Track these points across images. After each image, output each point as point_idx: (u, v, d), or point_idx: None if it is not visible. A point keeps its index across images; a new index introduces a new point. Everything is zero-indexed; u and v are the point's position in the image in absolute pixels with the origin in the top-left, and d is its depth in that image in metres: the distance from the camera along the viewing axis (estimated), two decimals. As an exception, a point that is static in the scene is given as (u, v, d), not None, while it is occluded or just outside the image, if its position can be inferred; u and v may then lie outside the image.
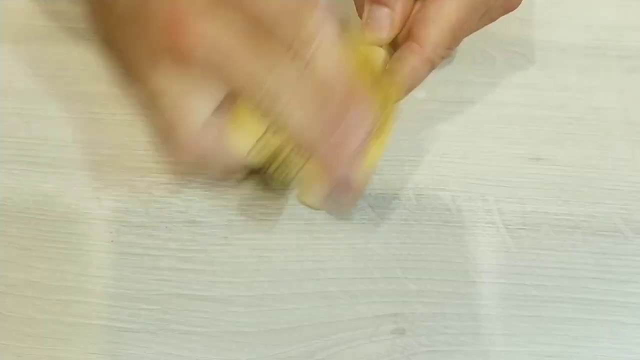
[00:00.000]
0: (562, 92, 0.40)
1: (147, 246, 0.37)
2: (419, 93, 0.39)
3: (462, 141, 0.39)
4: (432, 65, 0.34)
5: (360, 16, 0.35)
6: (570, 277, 0.37)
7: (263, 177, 0.36)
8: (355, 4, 0.35)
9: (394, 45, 0.35)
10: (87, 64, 0.39)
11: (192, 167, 0.32)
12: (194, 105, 0.30)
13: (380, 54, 0.34)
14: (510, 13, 0.36)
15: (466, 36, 0.35)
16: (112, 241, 0.37)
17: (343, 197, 0.32)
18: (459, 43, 0.35)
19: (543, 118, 0.39)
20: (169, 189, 0.38)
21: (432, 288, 0.37)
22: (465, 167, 0.38)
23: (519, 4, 0.35)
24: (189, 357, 0.36)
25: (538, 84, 0.40)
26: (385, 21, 0.34)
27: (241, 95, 0.30)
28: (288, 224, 0.37)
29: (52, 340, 0.36)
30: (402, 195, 0.38)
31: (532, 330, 0.36)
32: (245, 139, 0.31)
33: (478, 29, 0.35)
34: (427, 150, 0.39)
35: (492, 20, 0.35)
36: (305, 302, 0.37)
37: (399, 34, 0.34)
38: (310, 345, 0.36)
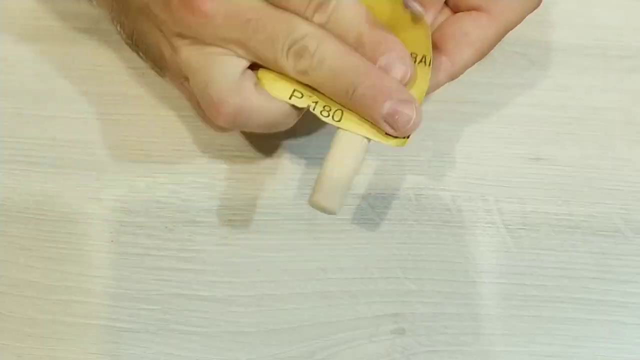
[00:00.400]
0: (562, 92, 0.40)
1: (147, 246, 0.37)
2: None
3: (462, 141, 0.39)
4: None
5: None
6: (570, 277, 0.37)
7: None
8: None
9: None
10: (87, 64, 0.39)
11: (236, 124, 0.31)
12: (225, 67, 0.31)
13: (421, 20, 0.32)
14: None
15: None
16: (112, 241, 0.37)
17: (404, 124, 0.31)
18: None
19: (543, 118, 0.39)
20: (169, 189, 0.38)
21: (432, 288, 0.37)
22: (465, 167, 0.38)
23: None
24: (189, 357, 0.36)
25: (538, 84, 0.40)
26: None
27: (266, 58, 0.31)
28: (288, 224, 0.37)
29: (52, 340, 0.36)
30: (402, 195, 0.38)
31: (532, 330, 0.37)
32: (281, 94, 0.31)
33: None
34: (427, 150, 0.39)
35: None
36: (305, 302, 0.37)
37: None
38: (310, 345, 0.36)
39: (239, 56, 0.31)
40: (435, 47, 0.33)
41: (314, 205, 0.31)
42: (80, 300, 0.36)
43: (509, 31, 0.34)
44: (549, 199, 0.38)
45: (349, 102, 0.31)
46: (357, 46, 0.31)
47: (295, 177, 0.38)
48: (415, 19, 0.32)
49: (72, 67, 0.39)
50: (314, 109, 0.32)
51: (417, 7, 0.31)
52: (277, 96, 0.31)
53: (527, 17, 0.34)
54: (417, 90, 0.32)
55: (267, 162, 0.38)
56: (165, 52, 0.32)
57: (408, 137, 0.32)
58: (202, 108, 0.32)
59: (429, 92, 0.33)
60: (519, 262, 0.37)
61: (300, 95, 0.31)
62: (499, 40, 0.34)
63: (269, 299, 0.37)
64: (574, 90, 0.40)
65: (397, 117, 0.31)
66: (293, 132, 0.37)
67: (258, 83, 0.32)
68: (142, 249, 0.37)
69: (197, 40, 0.31)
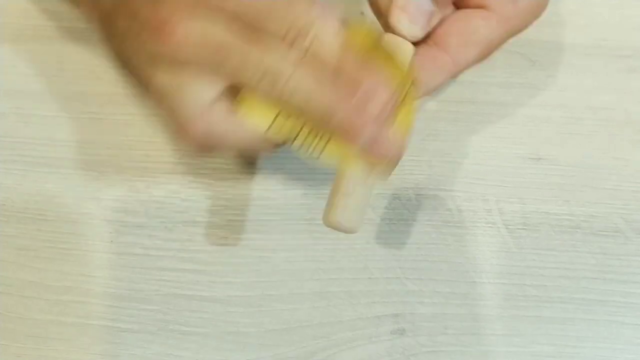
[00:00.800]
0: (562, 92, 0.40)
1: (147, 246, 0.37)
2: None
3: (462, 141, 0.39)
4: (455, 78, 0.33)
5: (377, 14, 0.33)
6: (571, 278, 0.37)
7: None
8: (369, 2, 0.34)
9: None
10: (86, 64, 0.39)
11: (205, 147, 0.31)
12: (195, 92, 0.30)
13: (407, 48, 0.31)
14: None
15: None
16: (111, 241, 0.37)
17: (379, 162, 0.30)
18: None
19: (543, 118, 0.39)
20: (168, 189, 0.38)
21: (432, 288, 0.37)
22: (465, 167, 0.38)
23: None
24: (189, 357, 0.36)
25: (538, 83, 0.40)
26: (424, 15, 0.31)
27: (241, 83, 0.30)
28: (288, 224, 0.37)
29: (51, 340, 0.36)
30: (402, 195, 0.38)
31: (533, 330, 0.36)
32: (260, 120, 0.31)
33: None
34: (427, 150, 0.39)
35: None
36: (305, 303, 0.37)
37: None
38: (310, 345, 0.36)
39: (213, 81, 0.30)
40: (438, 43, 0.32)
41: (331, 224, 0.30)
42: (80, 300, 0.36)
43: (513, 36, 0.33)
44: (550, 199, 0.38)
45: (328, 129, 0.30)
46: (336, 74, 0.30)
47: (295, 177, 0.38)
48: (401, 48, 0.31)
49: (72, 67, 0.39)
50: (292, 142, 0.31)
51: (406, 26, 0.30)
52: (256, 122, 0.31)
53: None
54: (402, 124, 0.31)
55: (267, 162, 0.38)
56: (144, 77, 0.31)
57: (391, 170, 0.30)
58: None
59: (428, 93, 0.32)
60: (519, 262, 0.37)
61: (282, 124, 0.31)
62: (503, 43, 0.33)
63: (268, 299, 0.37)
64: (575, 90, 0.40)
65: (375, 146, 0.30)
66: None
67: (236, 106, 0.31)
68: (141, 249, 0.37)
69: (171, 65, 0.30)
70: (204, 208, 0.37)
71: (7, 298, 0.36)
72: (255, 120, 0.31)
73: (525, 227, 0.38)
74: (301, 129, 0.31)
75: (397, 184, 0.38)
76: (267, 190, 0.38)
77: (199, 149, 0.31)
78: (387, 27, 0.31)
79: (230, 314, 0.36)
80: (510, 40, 0.40)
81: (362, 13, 0.40)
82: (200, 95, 0.30)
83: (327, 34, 0.29)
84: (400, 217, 0.38)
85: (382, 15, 0.32)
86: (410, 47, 0.31)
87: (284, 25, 0.29)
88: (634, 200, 0.38)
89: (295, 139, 0.31)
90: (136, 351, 0.36)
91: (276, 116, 0.31)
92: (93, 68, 0.39)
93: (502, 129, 0.39)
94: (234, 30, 0.29)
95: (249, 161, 0.38)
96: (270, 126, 0.31)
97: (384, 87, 0.30)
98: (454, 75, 0.32)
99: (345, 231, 0.30)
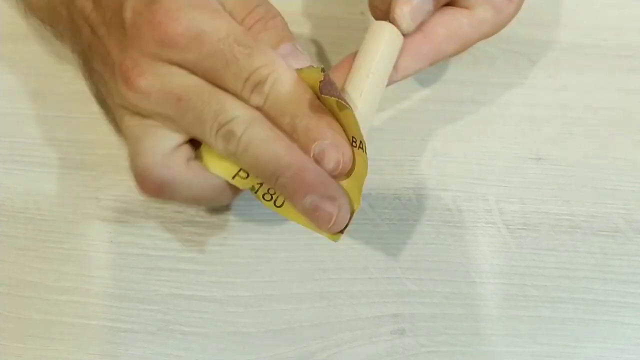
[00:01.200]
0: (562, 92, 0.40)
1: (147, 246, 0.37)
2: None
3: (462, 141, 0.39)
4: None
5: (375, 15, 0.33)
6: (571, 277, 0.37)
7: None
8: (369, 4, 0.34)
9: None
10: (86, 64, 0.39)
11: (160, 196, 0.32)
12: (157, 140, 0.31)
13: (397, 39, 0.32)
14: None
15: None
16: (111, 241, 0.37)
17: (325, 222, 0.30)
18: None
19: (543, 118, 0.39)
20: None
21: (432, 288, 0.37)
22: (465, 167, 0.38)
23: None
24: (189, 358, 0.36)
25: (538, 83, 0.40)
26: (423, 15, 0.32)
27: (199, 138, 0.31)
28: (288, 224, 0.37)
29: (51, 340, 0.36)
30: (402, 195, 0.38)
31: (533, 330, 0.36)
32: (220, 172, 0.31)
33: None
34: (427, 150, 0.39)
35: None
36: (305, 303, 0.37)
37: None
38: (310, 345, 0.36)
39: (173, 131, 0.31)
40: (425, 33, 0.32)
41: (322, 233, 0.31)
42: (79, 300, 0.36)
43: (485, 38, 0.34)
44: (550, 199, 0.38)
45: (276, 189, 0.31)
46: (290, 131, 0.30)
47: (295, 177, 0.38)
48: (392, 37, 0.31)
49: (71, 67, 0.39)
50: (256, 192, 0.31)
51: (408, 20, 0.31)
52: (218, 174, 0.31)
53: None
54: (356, 177, 0.31)
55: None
56: (117, 116, 0.32)
57: (342, 232, 0.30)
58: None
59: (405, 77, 0.32)
60: (519, 262, 0.37)
61: (245, 176, 0.31)
62: (476, 43, 0.34)
63: (268, 299, 0.36)
64: (575, 89, 0.40)
65: (317, 213, 0.30)
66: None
67: (196, 157, 0.32)
68: (141, 249, 0.37)
69: (137, 112, 0.31)
70: (204, 208, 0.37)
71: (7, 298, 0.36)
72: (215, 172, 0.31)
73: (525, 227, 0.38)
74: (261, 184, 0.31)
75: (397, 184, 0.38)
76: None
77: (154, 197, 0.32)
78: (384, 17, 0.32)
79: (230, 314, 0.36)
80: (511, 40, 0.40)
81: (361, 13, 0.40)
82: (161, 142, 0.31)
83: (285, 79, 0.30)
84: (400, 217, 0.38)
85: (380, 10, 0.33)
86: (401, 38, 0.32)
87: (243, 73, 0.30)
88: (634, 200, 0.38)
89: (255, 191, 0.32)
90: (136, 351, 0.36)
91: (237, 171, 0.31)
92: (93, 68, 0.39)
93: (502, 129, 0.39)
94: (194, 82, 0.30)
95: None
96: (232, 177, 0.31)
97: (337, 144, 0.30)
98: (431, 64, 0.33)
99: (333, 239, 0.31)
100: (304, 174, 0.30)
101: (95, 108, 0.38)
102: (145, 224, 0.37)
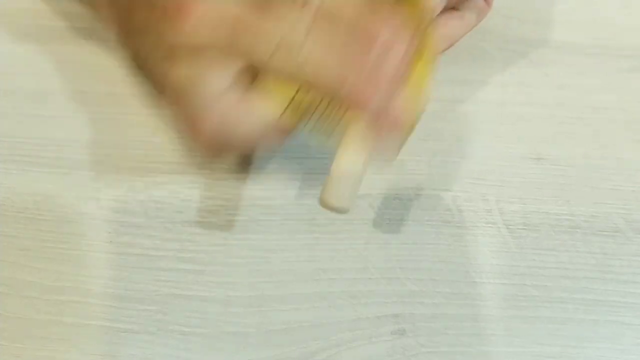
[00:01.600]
0: (562, 92, 0.40)
1: (146, 246, 0.37)
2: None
3: (462, 141, 0.39)
4: None
5: None
6: (571, 278, 0.37)
7: (305, 137, 0.33)
8: None
9: None
10: (86, 63, 0.39)
11: (217, 143, 0.31)
12: (210, 80, 0.30)
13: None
14: (510, 13, 0.38)
15: None
16: (110, 242, 0.37)
17: (391, 134, 0.30)
18: None
19: (543, 117, 0.39)
20: (168, 189, 0.38)
21: (432, 289, 0.37)
22: (465, 167, 0.38)
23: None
24: (188, 358, 0.36)
25: (538, 83, 0.40)
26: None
27: (256, 61, 0.30)
28: (288, 224, 0.37)
29: (50, 340, 0.36)
30: (402, 195, 0.38)
31: (533, 330, 0.36)
32: (275, 103, 0.31)
33: None
34: (427, 150, 0.39)
35: None
36: (305, 303, 0.36)
37: None
38: (310, 346, 0.36)
39: (228, 65, 0.30)
40: None
41: (325, 204, 0.30)
42: (79, 300, 0.36)
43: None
44: (550, 199, 0.38)
45: (340, 98, 0.30)
46: (351, 30, 0.29)
47: (295, 177, 0.38)
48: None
49: (72, 67, 0.39)
50: (305, 125, 0.31)
51: None
52: (269, 106, 0.31)
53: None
54: (417, 83, 0.30)
55: (267, 162, 0.38)
56: (160, 75, 0.31)
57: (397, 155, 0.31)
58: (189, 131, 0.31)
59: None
60: (519, 263, 0.37)
61: (295, 105, 0.31)
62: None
63: (268, 299, 0.36)
64: (575, 89, 0.40)
65: (381, 119, 0.29)
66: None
67: (250, 92, 0.31)
68: (141, 249, 0.37)
69: (189, 53, 0.30)
70: (204, 208, 0.37)
71: (7, 298, 0.36)
72: (268, 104, 0.31)
73: (525, 227, 0.38)
74: (315, 110, 0.31)
75: (397, 184, 0.38)
76: (267, 190, 0.38)
77: (211, 146, 0.31)
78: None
79: (230, 314, 0.36)
80: (511, 40, 0.40)
81: None
82: (214, 82, 0.30)
83: None
84: (400, 217, 0.38)
85: None
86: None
87: None
88: (634, 200, 0.38)
89: (308, 122, 0.31)
90: (135, 351, 0.36)
91: (291, 99, 0.30)
92: (93, 68, 0.39)
93: (502, 128, 0.39)
94: (245, 3, 0.29)
95: (246, 161, 0.38)
96: (284, 109, 0.31)
97: (400, 35, 0.29)
98: None
99: (335, 210, 0.30)
100: (369, 75, 0.29)
101: (95, 108, 0.39)
102: (145, 224, 0.37)
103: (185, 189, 0.38)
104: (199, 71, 0.30)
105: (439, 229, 0.38)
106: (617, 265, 0.37)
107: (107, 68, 0.39)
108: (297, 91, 0.31)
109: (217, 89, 0.30)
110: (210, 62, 0.30)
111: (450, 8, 0.37)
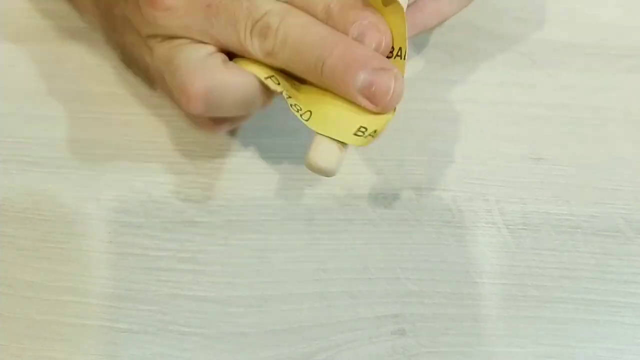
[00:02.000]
0: (562, 92, 0.40)
1: (146, 247, 0.37)
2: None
3: (462, 141, 0.39)
4: None
5: None
6: (572, 278, 0.37)
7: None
8: None
9: None
10: (86, 63, 0.39)
11: (208, 107, 0.30)
12: (187, 53, 0.30)
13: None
14: (510, 13, 0.38)
15: None
16: (110, 242, 0.37)
17: (384, 95, 0.29)
18: None
19: (544, 118, 0.39)
20: (168, 189, 0.38)
21: (432, 289, 0.37)
22: (465, 167, 0.38)
23: None
24: (188, 358, 0.36)
25: (538, 83, 0.40)
26: None
27: (231, 45, 0.30)
28: (288, 224, 0.37)
29: (50, 341, 0.36)
30: (402, 195, 0.38)
31: (534, 331, 0.36)
32: (257, 72, 0.30)
33: None
34: (427, 150, 0.39)
35: None
36: (305, 303, 0.36)
37: None
38: (311, 346, 0.36)
39: (206, 43, 0.30)
40: (417, 4, 0.32)
41: (310, 165, 0.29)
42: (78, 300, 0.36)
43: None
44: (550, 199, 0.38)
45: (321, 78, 0.29)
46: (326, 17, 0.29)
47: (295, 177, 0.38)
48: (392, 6, 0.30)
49: (71, 67, 0.39)
50: (287, 97, 0.30)
51: None
52: (255, 70, 0.30)
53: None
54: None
55: (267, 162, 0.38)
56: (147, 59, 0.32)
57: (373, 136, 0.30)
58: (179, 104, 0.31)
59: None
60: (519, 263, 0.37)
61: (277, 82, 0.30)
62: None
63: (268, 299, 0.36)
64: (575, 89, 0.40)
65: (373, 88, 0.29)
66: (293, 131, 0.37)
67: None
68: (141, 249, 0.37)
69: (166, 35, 0.30)
70: (204, 208, 0.37)
71: (6, 298, 0.36)
72: (252, 68, 0.30)
73: (525, 227, 0.38)
74: (292, 95, 0.30)
75: (397, 184, 0.38)
76: (267, 190, 0.38)
77: (203, 110, 0.30)
78: None
79: (230, 314, 0.36)
80: (511, 40, 0.40)
81: None
82: (194, 54, 0.30)
83: None
84: (400, 217, 0.38)
85: None
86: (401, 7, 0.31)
87: None
88: (635, 201, 0.38)
89: (288, 97, 0.30)
90: (135, 352, 0.36)
91: (271, 76, 0.30)
92: (93, 68, 0.39)
93: (502, 129, 0.39)
94: None
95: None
96: (266, 77, 0.30)
97: (377, 23, 0.29)
98: (417, 34, 0.34)
99: (321, 172, 0.30)
100: (353, 49, 0.29)
101: (95, 108, 0.39)
102: (145, 224, 0.37)
103: (185, 189, 0.38)
104: (178, 48, 0.30)
105: (439, 229, 0.37)
106: (617, 265, 0.37)
107: (107, 68, 0.39)
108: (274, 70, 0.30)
109: (200, 54, 0.30)
110: (186, 42, 0.30)
111: None
